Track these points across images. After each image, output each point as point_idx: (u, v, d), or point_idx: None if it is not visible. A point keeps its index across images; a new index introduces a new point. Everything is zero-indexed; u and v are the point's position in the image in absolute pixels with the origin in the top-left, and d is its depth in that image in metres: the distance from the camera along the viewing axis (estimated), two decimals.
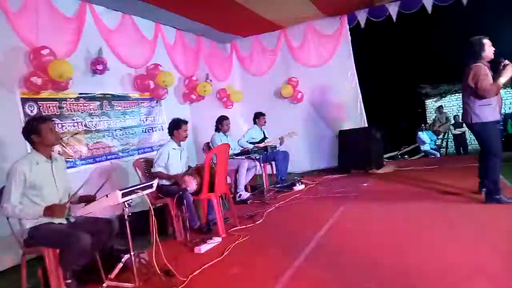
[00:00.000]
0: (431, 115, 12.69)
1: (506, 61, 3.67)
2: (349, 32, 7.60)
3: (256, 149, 5.65)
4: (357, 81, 7.58)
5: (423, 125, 10.73)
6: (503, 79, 3.64)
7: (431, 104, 12.80)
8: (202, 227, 4.11)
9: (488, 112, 3.72)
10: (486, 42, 3.78)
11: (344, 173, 6.97)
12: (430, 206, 4.06)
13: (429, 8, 6.91)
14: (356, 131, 7.24)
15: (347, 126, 7.49)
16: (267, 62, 8.07)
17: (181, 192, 3.89)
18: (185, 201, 3.90)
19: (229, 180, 5.67)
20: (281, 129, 6.94)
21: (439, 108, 11.44)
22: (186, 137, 4.41)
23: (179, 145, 4.39)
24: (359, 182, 5.89)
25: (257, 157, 5.51)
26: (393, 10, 7.12)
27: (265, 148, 5.63)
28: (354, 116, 7.54)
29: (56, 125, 3.18)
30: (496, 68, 3.75)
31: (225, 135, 5.83)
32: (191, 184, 3.99)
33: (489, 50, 3.77)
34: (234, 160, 5.52)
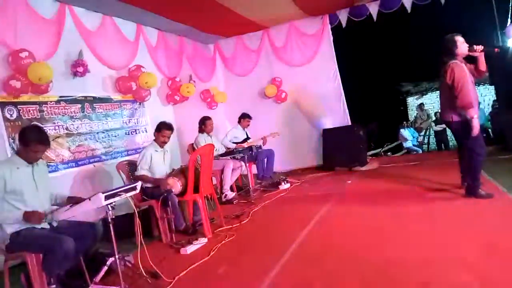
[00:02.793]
0: (412, 113, 12.93)
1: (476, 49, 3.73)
2: (331, 32, 7.70)
3: (241, 149, 5.67)
4: (340, 79, 7.67)
5: (404, 122, 10.92)
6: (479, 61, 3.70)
7: (412, 102, 13.05)
8: (187, 228, 4.11)
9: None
10: (459, 39, 3.77)
11: (328, 171, 7.05)
12: (412, 202, 4.13)
13: (408, 7, 7.05)
14: (339, 129, 7.34)
15: (330, 124, 7.59)
16: (250, 63, 8.09)
17: (165, 194, 3.88)
18: (170, 202, 3.89)
19: (214, 180, 5.68)
20: (265, 129, 7.00)
21: (420, 106, 11.66)
22: (164, 142, 4.37)
23: (162, 147, 4.38)
24: (343, 179, 5.96)
25: (242, 157, 5.53)
26: (373, 9, 7.24)
27: (250, 148, 5.65)
28: (338, 115, 7.63)
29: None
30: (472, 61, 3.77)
31: (209, 135, 5.83)
32: (176, 186, 3.98)
33: (462, 47, 3.76)
34: (219, 161, 5.53)
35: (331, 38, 7.70)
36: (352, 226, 3.68)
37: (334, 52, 7.70)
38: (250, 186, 5.49)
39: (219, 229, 4.14)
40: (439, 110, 11.49)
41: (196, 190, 4.05)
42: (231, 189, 5.75)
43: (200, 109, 7.34)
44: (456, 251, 2.68)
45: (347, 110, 7.65)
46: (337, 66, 7.69)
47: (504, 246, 2.62)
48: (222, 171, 5.57)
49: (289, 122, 7.84)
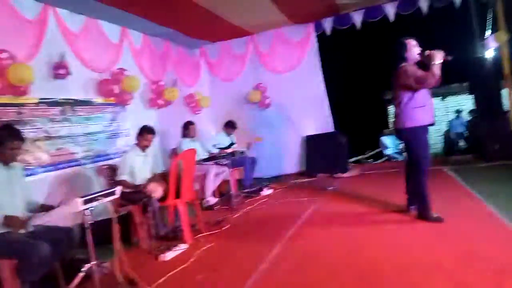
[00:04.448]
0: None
1: (427, 52, 3.49)
2: (316, 39, 7.81)
3: (223, 154, 5.67)
4: (324, 87, 7.77)
5: (385, 130, 11.11)
6: (436, 63, 3.38)
7: (393, 110, 13.25)
8: (167, 234, 4.08)
9: (422, 114, 3.55)
10: (409, 42, 3.63)
11: (311, 177, 7.12)
12: (393, 207, 4.19)
13: (391, 16, 7.22)
14: (322, 136, 7.43)
15: (314, 131, 7.67)
16: (236, 68, 8.13)
17: (146, 199, 3.85)
18: (150, 208, 3.86)
19: (196, 186, 5.66)
20: (250, 134, 7.03)
21: None
22: (146, 146, 4.34)
23: (144, 151, 4.35)
24: (325, 186, 6.02)
25: (225, 163, 5.53)
26: (357, 18, 7.38)
27: (233, 153, 5.66)
28: (321, 121, 7.72)
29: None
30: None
31: (192, 140, 5.82)
32: (157, 191, 3.96)
33: (413, 50, 3.61)
34: (202, 166, 5.52)
35: (316, 45, 7.81)
36: (333, 232, 3.72)
37: (319, 60, 7.81)
38: (232, 192, 5.49)
39: (200, 235, 4.12)
40: None
41: (178, 195, 4.03)
42: (214, 195, 5.74)
43: (184, 113, 7.32)
44: (434, 259, 2.73)
45: (330, 117, 7.75)
46: (321, 74, 7.80)
47: (481, 255, 2.69)
48: (204, 177, 5.55)
49: (273, 128, 7.89)
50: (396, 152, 10.28)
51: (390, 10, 7.18)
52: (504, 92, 7.21)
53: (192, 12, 6.00)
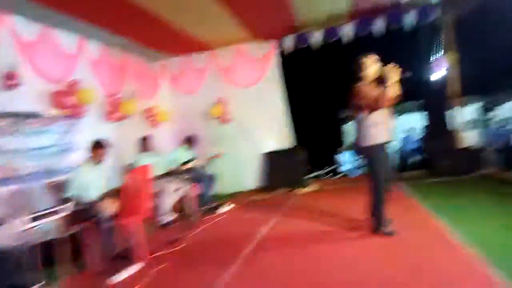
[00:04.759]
0: (351, 137, 13.60)
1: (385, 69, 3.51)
2: (278, 57, 7.96)
3: (182, 169, 5.56)
4: (285, 103, 7.90)
5: (341, 147, 11.45)
6: (392, 81, 3.42)
7: (349, 127, 13.81)
8: (120, 254, 3.90)
9: (377, 133, 3.59)
10: (366, 60, 3.65)
11: (270, 192, 7.14)
12: (349, 222, 4.26)
13: (348, 37, 7.53)
14: (282, 152, 7.52)
15: (274, 146, 7.74)
16: (197, 82, 8.10)
17: (97, 217, 3.67)
18: (102, 226, 3.69)
19: (153, 202, 5.50)
20: (210, 149, 6.98)
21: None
22: (100, 160, 4.20)
23: (97, 166, 4.17)
24: (284, 201, 6.06)
25: (184, 178, 5.42)
26: (317, 37, 7.62)
27: (191, 169, 5.57)
28: (281, 137, 7.83)
29: None
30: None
31: (150, 155, 5.67)
32: (110, 208, 3.79)
33: (370, 69, 3.62)
34: (160, 182, 5.37)
35: (278, 62, 7.96)
36: (291, 247, 3.72)
37: (280, 76, 7.96)
38: (191, 209, 5.38)
39: (155, 254, 3.98)
40: None
41: (132, 212, 3.88)
42: (171, 211, 5.59)
43: (142, 127, 7.15)
44: (387, 274, 2.79)
45: (290, 133, 7.87)
46: (282, 90, 7.94)
47: (430, 268, 2.78)
48: (162, 193, 5.41)
49: (234, 143, 7.88)
50: (352, 168, 10.58)
51: (348, 32, 7.50)
52: (454, 111, 7.67)
53: (153, 24, 5.95)
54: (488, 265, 2.65)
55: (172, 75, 8.21)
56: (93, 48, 6.12)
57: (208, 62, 8.05)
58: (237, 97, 7.90)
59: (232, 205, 6.13)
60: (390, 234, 3.62)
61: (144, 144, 5.66)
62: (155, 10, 5.50)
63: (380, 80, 3.60)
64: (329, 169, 11.26)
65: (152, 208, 5.32)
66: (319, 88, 10.80)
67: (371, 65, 3.65)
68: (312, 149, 8.40)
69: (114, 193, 4.01)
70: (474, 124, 11.25)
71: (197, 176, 5.91)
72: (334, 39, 7.64)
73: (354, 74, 3.73)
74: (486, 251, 2.89)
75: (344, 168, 10.55)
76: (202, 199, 6.11)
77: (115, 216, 3.85)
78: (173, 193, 5.46)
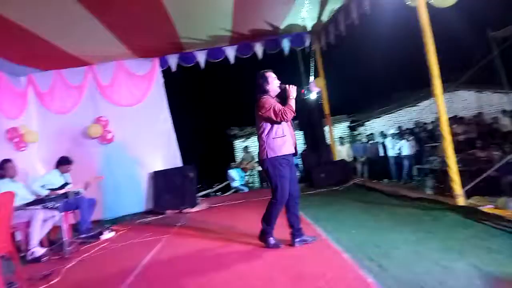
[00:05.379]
0: (240, 154, 14.00)
1: (285, 85, 3.72)
2: (161, 74, 7.79)
3: (54, 196, 4.96)
4: (172, 121, 7.75)
5: (232, 163, 11.68)
6: (292, 98, 3.63)
7: (239, 144, 14.20)
8: None
9: (283, 145, 3.64)
10: (270, 75, 3.76)
11: (159, 214, 6.83)
12: (238, 241, 4.25)
13: (231, 58, 7.81)
14: (170, 171, 7.30)
15: (161, 166, 7.48)
16: (71, 99, 7.42)
17: None
18: None
19: (18, 235, 4.77)
20: (88, 172, 6.39)
21: (245, 148, 12.75)
22: None
23: None
24: (172, 223, 5.85)
25: (56, 206, 4.82)
26: (201, 57, 7.71)
27: (65, 194, 5.00)
28: (168, 156, 7.62)
29: None
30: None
31: (12, 181, 4.92)
32: None
33: (273, 83, 3.75)
34: (26, 211, 4.68)
35: (162, 80, 7.80)
36: (177, 270, 3.56)
37: (165, 94, 7.79)
38: (65, 239, 4.80)
39: None
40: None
41: None
42: (41, 244, 4.90)
43: (5, 150, 6.22)
44: (271, 284, 2.86)
45: (178, 152, 7.71)
46: (168, 109, 7.77)
47: (311, 273, 2.93)
48: (29, 224, 4.71)
49: (117, 164, 7.37)
50: (242, 184, 10.82)
51: (231, 53, 7.77)
52: (326, 129, 8.49)
53: (18, 36, 5.29)
54: (360, 267, 2.88)
55: (42, 91, 7.36)
56: None
57: (84, 77, 7.45)
58: (119, 116, 7.45)
59: (113, 233, 5.66)
60: (276, 246, 3.72)
61: (3, 169, 4.89)
62: (17, 19, 4.91)
63: (280, 96, 3.76)
64: (220, 186, 11.33)
65: (17, 242, 4.62)
66: (208, 106, 10.95)
67: (275, 79, 3.78)
68: (202, 167, 8.38)
69: None
70: (345, 139, 12.63)
71: (73, 202, 5.33)
72: (219, 59, 7.84)
73: (259, 87, 3.76)
74: (358, 254, 3.17)
75: (235, 184, 10.72)
76: (80, 227, 5.53)
77: None
78: (42, 223, 4.80)
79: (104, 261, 4.35)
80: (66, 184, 5.53)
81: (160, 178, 7.22)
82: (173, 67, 7.73)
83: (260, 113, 3.66)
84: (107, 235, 5.46)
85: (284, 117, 3.57)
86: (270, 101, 3.66)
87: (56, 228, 5.15)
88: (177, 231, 5.34)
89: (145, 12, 5.50)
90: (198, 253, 4.09)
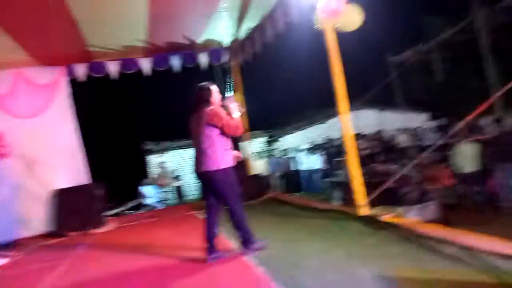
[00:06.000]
0: (155, 170, 13.49)
1: (226, 103, 3.82)
2: (68, 84, 7.25)
3: None
4: (78, 135, 7.20)
5: (145, 180, 11.24)
6: (236, 115, 3.73)
7: (154, 159, 13.68)
8: None
9: (229, 156, 3.72)
10: (214, 88, 3.79)
11: (61, 237, 6.23)
12: (147, 261, 4.04)
13: (147, 70, 7.58)
14: (75, 189, 6.74)
15: (65, 184, 6.86)
16: None
17: None
18: None
19: None
20: None
21: (162, 163, 12.35)
22: None
23: None
24: (75, 245, 5.37)
25: None
26: (113, 68, 7.35)
27: None
28: (74, 173, 7.04)
29: None
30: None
31: None
32: None
33: (216, 96, 3.77)
34: None
35: (68, 91, 7.25)
36: None
37: (72, 106, 7.24)
38: None
39: None
40: (177, 167, 12.69)
41: None
42: None
43: None
44: None
45: (84, 168, 7.17)
46: (75, 121, 7.22)
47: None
48: None
49: (12, 182, 6.56)
50: (157, 201, 10.45)
51: (146, 65, 7.54)
52: (244, 143, 8.63)
53: None
54: (273, 280, 2.91)
55: None
56: None
57: None
58: (17, 128, 6.68)
59: (7, 259, 5.03)
60: (263, 248, 3.71)
61: None
62: None
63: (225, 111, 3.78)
64: (132, 204, 10.78)
65: None
66: (122, 119, 10.44)
67: (217, 92, 3.80)
68: (113, 183, 7.90)
69: None
70: (261, 154, 12.99)
71: None
72: (132, 71, 7.54)
73: (203, 98, 3.71)
74: (271, 267, 3.21)
75: (149, 201, 10.28)
76: None
77: None
78: None
79: None
80: None
81: (63, 197, 6.59)
82: (82, 77, 7.23)
83: (212, 122, 3.59)
84: None
85: (238, 130, 3.68)
86: (222, 111, 3.69)
87: None
88: (81, 254, 4.92)
89: (47, 14, 5.07)
90: (102, 276, 3.80)
